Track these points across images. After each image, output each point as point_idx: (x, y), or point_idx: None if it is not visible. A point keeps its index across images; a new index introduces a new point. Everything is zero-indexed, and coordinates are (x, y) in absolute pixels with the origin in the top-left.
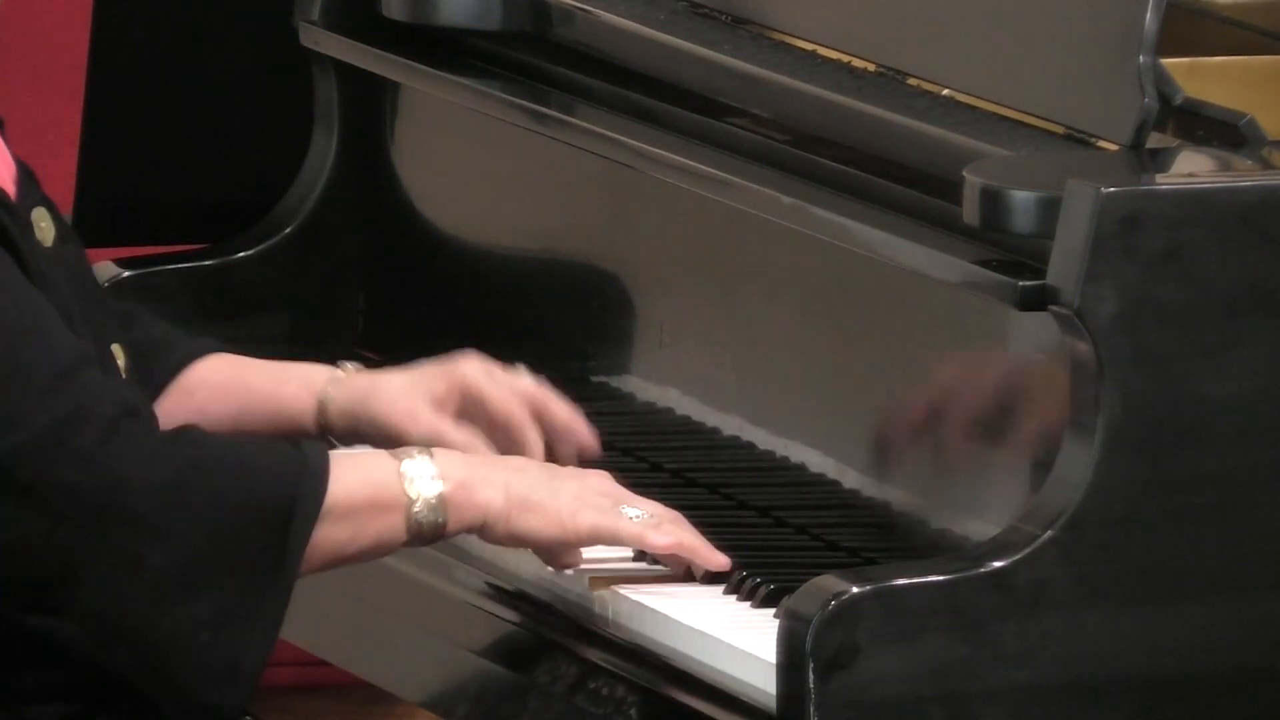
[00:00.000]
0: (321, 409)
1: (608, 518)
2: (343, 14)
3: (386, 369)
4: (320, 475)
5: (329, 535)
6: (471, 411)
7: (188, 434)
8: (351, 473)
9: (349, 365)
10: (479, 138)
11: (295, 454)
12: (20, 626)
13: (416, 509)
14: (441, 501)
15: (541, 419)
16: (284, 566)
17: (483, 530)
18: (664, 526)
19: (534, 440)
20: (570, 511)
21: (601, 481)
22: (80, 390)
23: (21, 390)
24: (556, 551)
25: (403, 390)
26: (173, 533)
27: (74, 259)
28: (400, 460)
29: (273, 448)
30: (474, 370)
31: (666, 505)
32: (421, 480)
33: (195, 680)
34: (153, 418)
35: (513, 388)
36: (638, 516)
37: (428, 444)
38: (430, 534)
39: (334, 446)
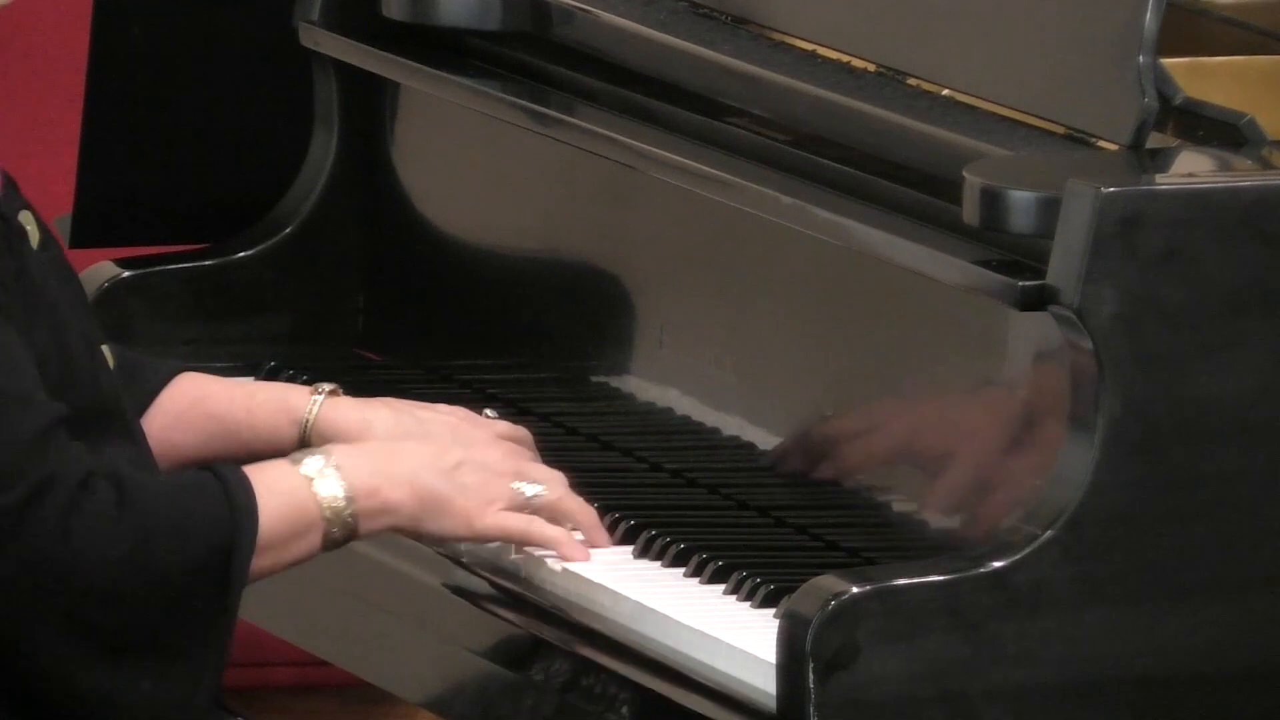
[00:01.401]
0: (305, 439)
1: (516, 522)
2: (343, 14)
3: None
4: (251, 513)
5: (257, 566)
6: None
7: (132, 494)
8: (271, 501)
9: (325, 387)
10: (479, 138)
11: (224, 495)
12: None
13: (333, 528)
14: (354, 515)
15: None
16: (226, 606)
17: (394, 530)
18: (564, 504)
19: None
20: (477, 511)
21: (493, 456)
22: (48, 458)
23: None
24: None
25: (396, 425)
26: (125, 600)
27: (60, 262)
28: (309, 478)
29: (203, 491)
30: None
31: (663, 505)
32: (332, 495)
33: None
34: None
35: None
36: (536, 493)
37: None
38: (342, 543)
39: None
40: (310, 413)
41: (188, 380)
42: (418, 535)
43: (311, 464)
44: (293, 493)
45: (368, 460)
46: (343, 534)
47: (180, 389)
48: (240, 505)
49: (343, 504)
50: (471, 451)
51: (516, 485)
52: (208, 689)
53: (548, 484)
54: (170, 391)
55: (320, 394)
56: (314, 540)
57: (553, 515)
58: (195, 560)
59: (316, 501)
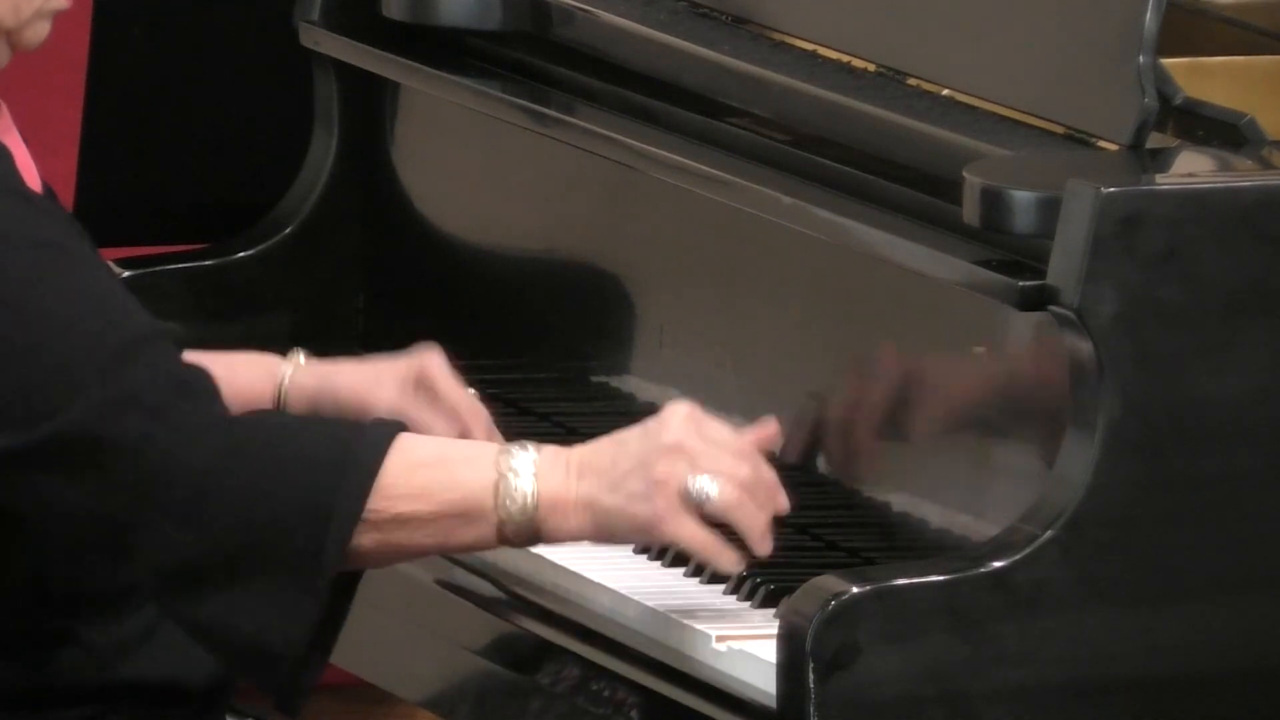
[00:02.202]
0: (280, 393)
1: (684, 532)
2: (343, 14)
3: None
4: (365, 473)
5: (396, 537)
6: (423, 397)
7: (245, 419)
8: (434, 475)
9: (301, 353)
10: (479, 138)
11: (344, 447)
12: (43, 630)
13: (508, 529)
14: (531, 523)
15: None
16: (319, 568)
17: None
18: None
19: (480, 434)
20: (648, 524)
21: (662, 460)
22: (141, 366)
23: (84, 361)
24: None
25: (364, 368)
26: (206, 522)
27: None
28: (499, 468)
29: (325, 437)
30: (433, 360)
31: None
32: (513, 493)
33: (242, 664)
34: (212, 395)
35: (469, 397)
36: (708, 497)
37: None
38: (524, 545)
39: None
40: (285, 373)
41: None
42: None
43: (508, 451)
44: (467, 477)
45: (562, 462)
46: (521, 537)
47: None
48: (357, 465)
49: (519, 511)
50: (645, 467)
51: (688, 486)
52: (296, 647)
53: (722, 481)
54: None
55: (297, 357)
56: (483, 531)
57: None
58: (287, 502)
59: (494, 496)
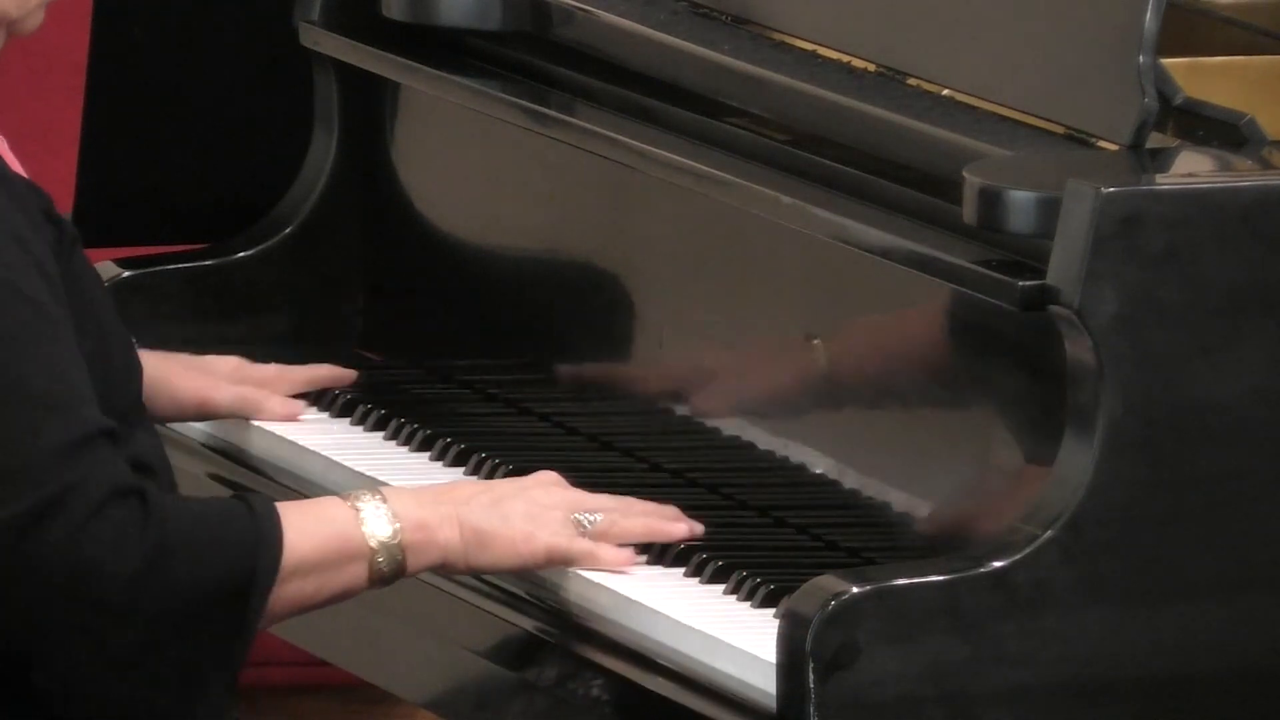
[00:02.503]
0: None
1: (561, 539)
2: (343, 14)
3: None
4: (274, 544)
5: (296, 591)
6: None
7: (155, 511)
8: (314, 527)
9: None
10: (479, 138)
11: (250, 524)
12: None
13: (379, 559)
14: (401, 547)
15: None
16: (240, 635)
17: (443, 568)
18: (618, 527)
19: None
20: (524, 537)
21: (547, 494)
22: (81, 467)
23: (24, 458)
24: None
25: (237, 368)
26: (137, 616)
27: (90, 264)
28: (357, 508)
29: (229, 519)
30: (230, 358)
31: (662, 503)
32: (379, 526)
33: None
34: (140, 492)
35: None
36: (591, 521)
37: (235, 406)
38: (391, 578)
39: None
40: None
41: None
42: (470, 571)
43: (356, 495)
44: (337, 520)
45: (415, 498)
46: (390, 567)
47: None
48: (265, 535)
49: (389, 535)
50: (526, 492)
51: (574, 516)
52: (214, 712)
53: (606, 513)
54: None
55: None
56: (359, 570)
57: (610, 542)
58: (214, 585)
59: (361, 532)
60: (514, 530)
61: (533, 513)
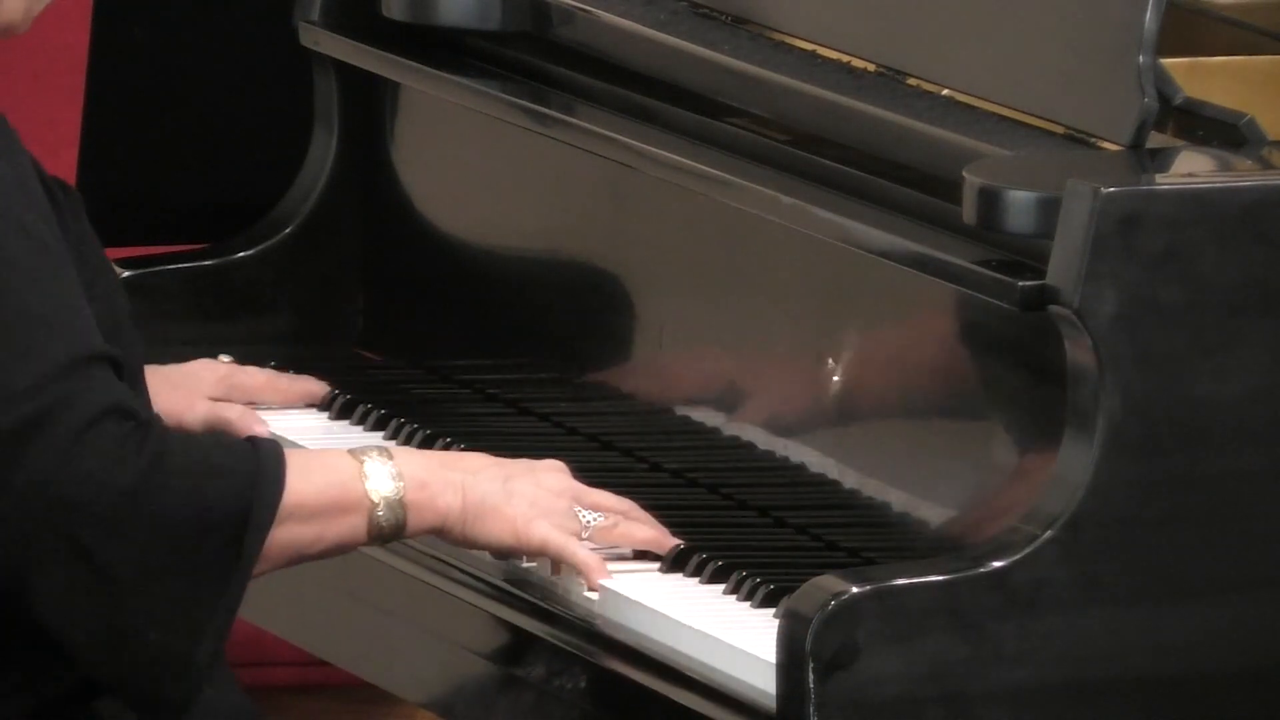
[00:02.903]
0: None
1: (558, 536)
2: (343, 14)
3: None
4: (276, 480)
5: (293, 535)
6: (230, 395)
7: (155, 436)
8: (316, 474)
9: (223, 358)
10: (479, 138)
11: (252, 458)
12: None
13: (379, 512)
14: (402, 504)
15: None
16: (237, 569)
17: (440, 532)
18: (620, 530)
19: (302, 387)
20: (524, 520)
21: (557, 479)
22: (74, 385)
23: (19, 375)
24: (509, 556)
25: (179, 382)
26: (127, 534)
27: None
28: (361, 461)
29: (232, 451)
30: (220, 365)
31: (663, 505)
32: (381, 480)
33: (145, 674)
34: (138, 417)
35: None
36: (593, 520)
37: (207, 424)
38: (390, 535)
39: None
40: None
41: None
42: (465, 540)
43: (363, 450)
44: (339, 470)
45: (423, 460)
46: (389, 523)
47: None
48: (266, 470)
49: (391, 490)
50: (535, 474)
51: (577, 510)
52: (209, 649)
53: (609, 514)
54: None
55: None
56: (356, 522)
57: (608, 543)
58: (209, 513)
59: (361, 477)
60: (515, 510)
61: (538, 498)
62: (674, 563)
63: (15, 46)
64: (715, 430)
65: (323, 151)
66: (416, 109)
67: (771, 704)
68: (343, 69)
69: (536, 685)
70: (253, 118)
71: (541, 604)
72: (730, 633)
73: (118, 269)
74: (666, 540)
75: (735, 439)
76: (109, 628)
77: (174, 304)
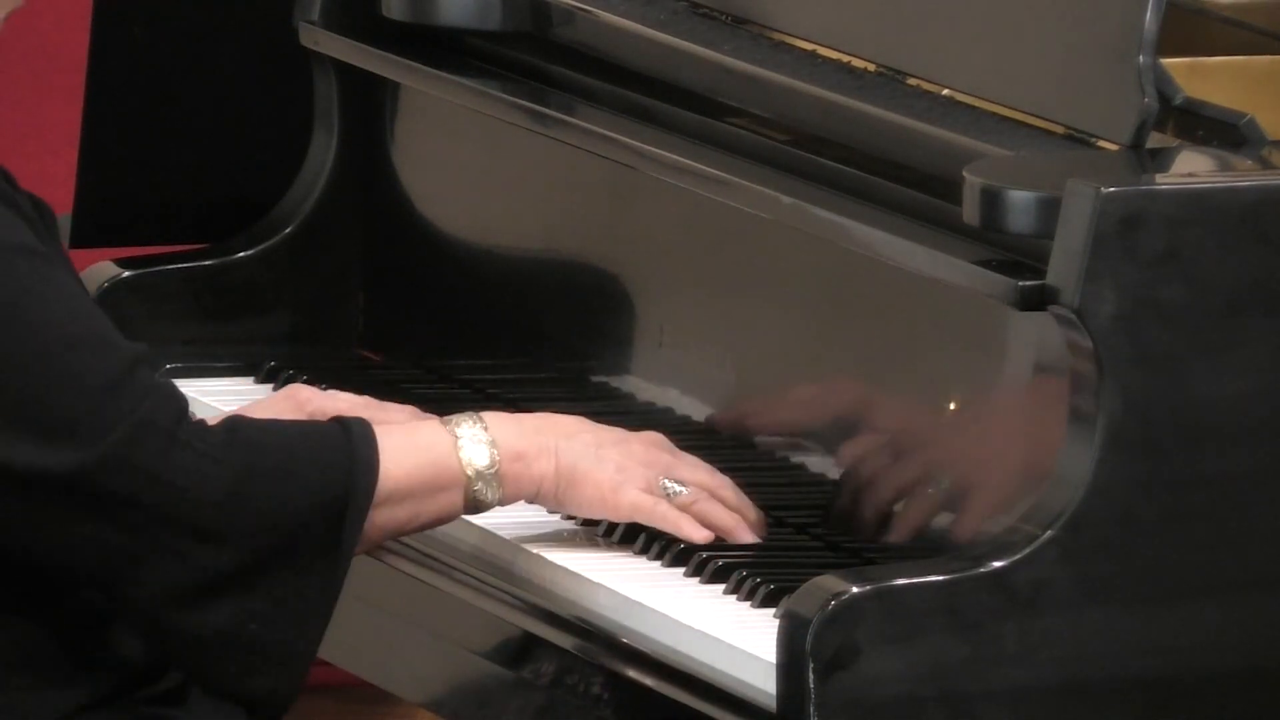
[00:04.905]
0: None
1: (647, 500)
2: (343, 14)
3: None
4: (370, 467)
5: (389, 516)
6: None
7: (241, 433)
8: (409, 455)
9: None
10: (479, 138)
11: (345, 446)
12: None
13: (476, 485)
14: (499, 476)
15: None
16: (337, 560)
17: (534, 499)
18: (700, 506)
19: (393, 409)
20: (613, 486)
21: (647, 449)
22: (137, 397)
23: (79, 403)
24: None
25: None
26: (229, 539)
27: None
28: (456, 434)
29: (322, 440)
30: (307, 390)
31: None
32: (477, 452)
33: (253, 671)
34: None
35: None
36: (678, 492)
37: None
38: (487, 506)
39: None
40: None
41: None
42: (558, 506)
43: (462, 425)
44: (434, 447)
45: (517, 426)
46: (487, 493)
47: None
48: (360, 457)
49: (487, 463)
50: (628, 444)
51: (662, 480)
52: (311, 641)
53: (695, 488)
54: None
55: None
56: (454, 498)
57: (695, 516)
58: (306, 505)
59: (459, 458)
60: (605, 476)
61: (626, 465)
62: (674, 562)
63: (15, 47)
64: (715, 430)
65: (323, 151)
66: (416, 109)
67: (771, 704)
68: (343, 69)
69: (535, 685)
70: (253, 118)
71: (541, 604)
72: (730, 633)
73: (117, 269)
74: (742, 532)
75: (735, 439)
76: (216, 632)
77: (174, 304)
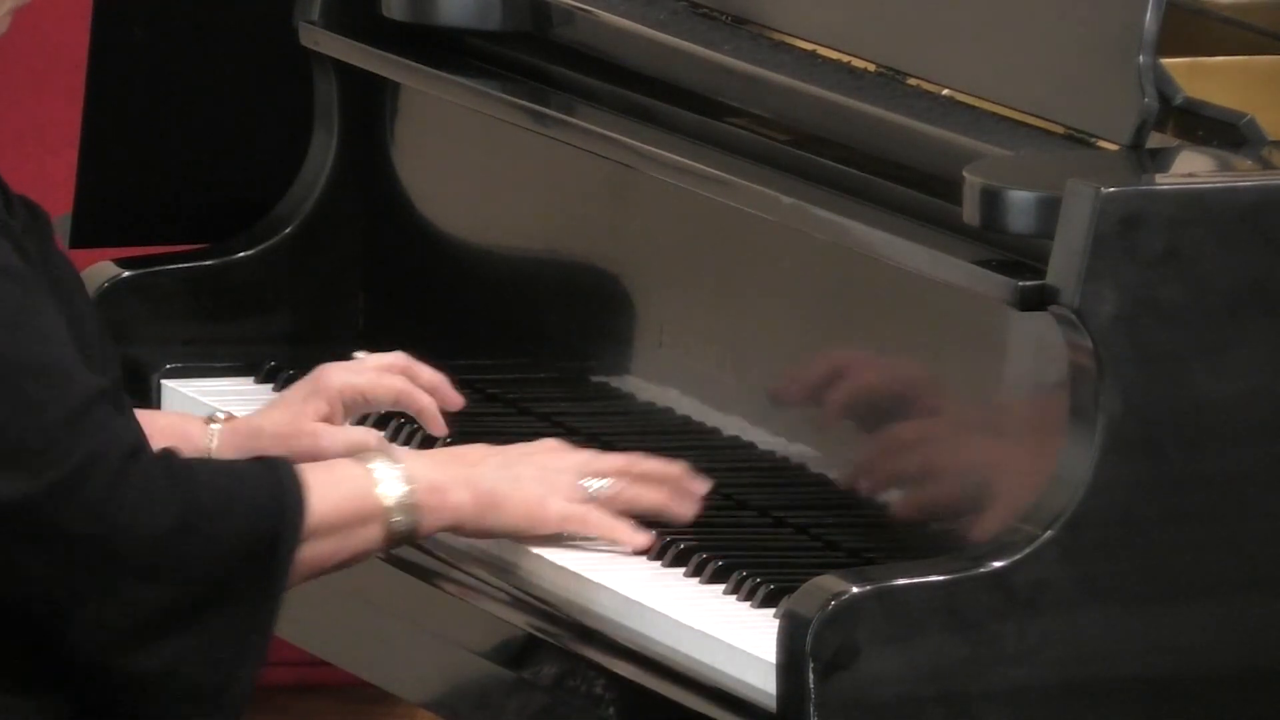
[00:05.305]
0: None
1: (575, 508)
2: (343, 14)
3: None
4: (299, 502)
5: (315, 552)
6: (358, 409)
7: (180, 471)
8: (331, 489)
9: (220, 415)
10: (479, 138)
11: (274, 481)
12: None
13: (395, 517)
14: (416, 507)
15: (415, 381)
16: (269, 594)
17: (455, 529)
18: (627, 494)
19: (426, 402)
20: (538, 499)
21: (556, 457)
22: (91, 433)
23: (35, 433)
24: (527, 540)
25: (279, 409)
26: (166, 576)
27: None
28: (370, 468)
29: (253, 476)
30: (339, 376)
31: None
32: (393, 486)
33: (183, 707)
34: (149, 451)
35: (377, 369)
36: (600, 487)
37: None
38: (405, 539)
39: None
40: (211, 442)
41: None
42: (482, 532)
43: (375, 460)
44: (353, 481)
45: (429, 459)
46: (405, 527)
47: None
48: (289, 492)
49: (403, 496)
50: (534, 456)
51: (581, 481)
52: (247, 678)
53: (614, 477)
54: None
55: (216, 423)
56: (374, 532)
57: (620, 508)
58: (240, 543)
59: (376, 493)
60: (527, 493)
61: (544, 477)
62: (674, 562)
63: (15, 46)
64: (715, 430)
65: (323, 151)
66: (416, 109)
67: (771, 704)
68: (343, 69)
69: (535, 685)
70: (253, 118)
71: (541, 604)
72: (730, 633)
73: (117, 269)
74: (675, 503)
75: (735, 439)
76: (154, 673)
77: (174, 304)
